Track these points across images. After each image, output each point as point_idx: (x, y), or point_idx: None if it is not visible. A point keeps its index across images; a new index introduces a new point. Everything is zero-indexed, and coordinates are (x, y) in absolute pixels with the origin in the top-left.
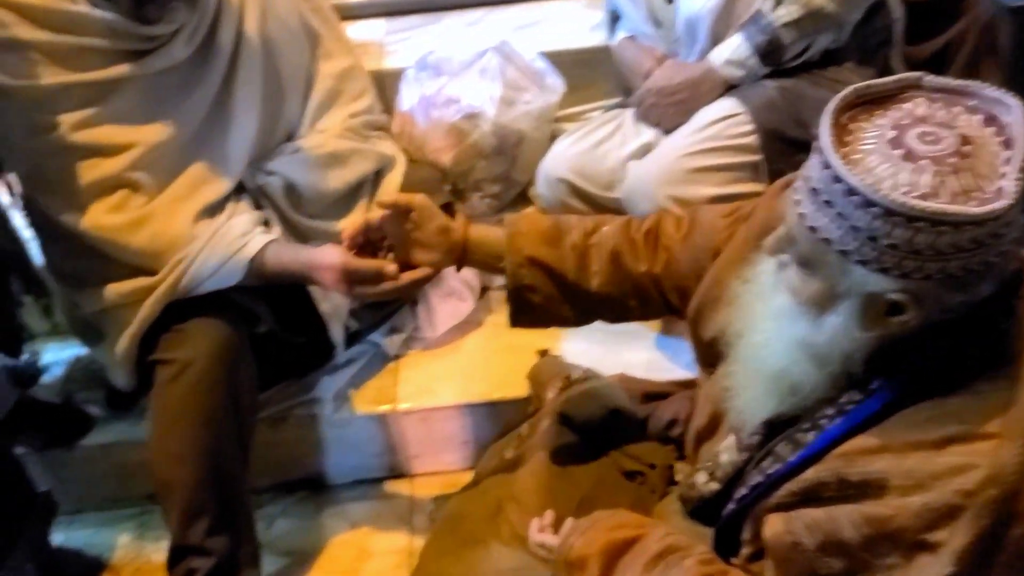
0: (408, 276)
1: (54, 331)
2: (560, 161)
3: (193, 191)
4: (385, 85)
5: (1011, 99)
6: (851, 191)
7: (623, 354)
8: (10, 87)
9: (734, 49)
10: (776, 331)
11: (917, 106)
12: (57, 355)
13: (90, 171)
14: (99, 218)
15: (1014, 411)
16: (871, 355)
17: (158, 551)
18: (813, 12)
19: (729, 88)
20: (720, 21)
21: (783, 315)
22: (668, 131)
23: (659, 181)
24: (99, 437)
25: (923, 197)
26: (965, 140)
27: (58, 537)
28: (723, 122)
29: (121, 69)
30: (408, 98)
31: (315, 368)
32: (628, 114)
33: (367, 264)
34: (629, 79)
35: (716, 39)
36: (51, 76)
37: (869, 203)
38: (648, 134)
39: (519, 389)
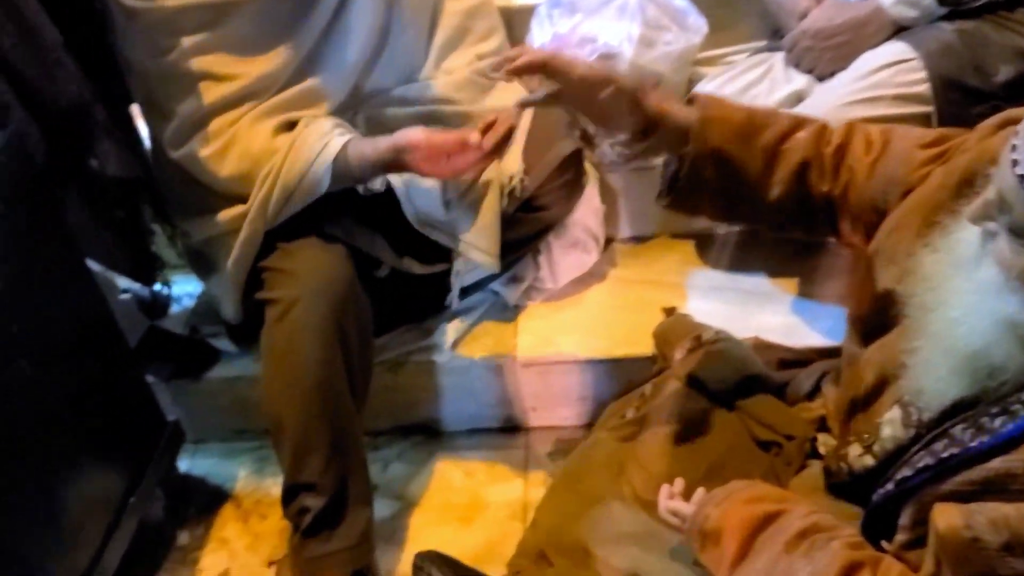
0: (491, 135)
1: (183, 262)
2: None
3: (277, 110)
4: (514, 21)
5: None
6: None
7: (757, 316)
8: (135, 7)
9: None
10: (978, 307)
11: None
12: (185, 287)
13: (194, 100)
14: (194, 148)
15: None
16: None
17: (276, 485)
18: None
19: (898, 30)
20: None
21: (988, 290)
22: (823, 78)
23: None
24: (223, 371)
25: None
26: None
27: (183, 465)
28: (890, 68)
29: None
30: (539, 36)
31: (434, 313)
32: (777, 58)
33: (450, 135)
34: (781, 19)
35: None
36: None
37: None
38: (800, 80)
39: (643, 347)
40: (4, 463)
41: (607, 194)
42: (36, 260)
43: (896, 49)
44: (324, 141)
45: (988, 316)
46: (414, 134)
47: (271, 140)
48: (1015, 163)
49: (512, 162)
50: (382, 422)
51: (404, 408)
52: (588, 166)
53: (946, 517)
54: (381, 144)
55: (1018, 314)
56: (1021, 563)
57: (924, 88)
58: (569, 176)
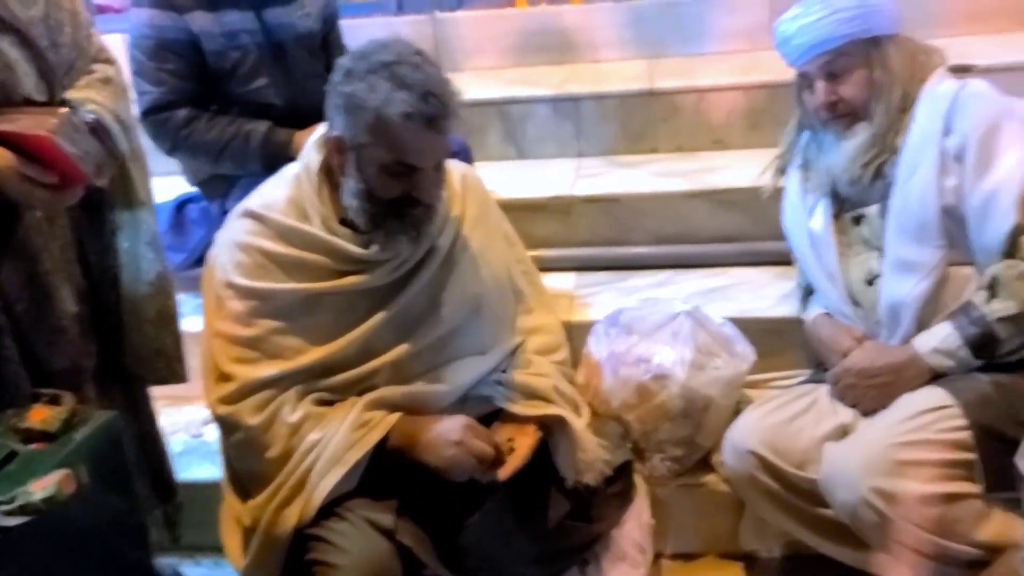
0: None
1: None
2: (751, 433)
3: (330, 390)
4: (572, 336)
5: None
6: None
7: None
8: (235, 283)
9: (942, 338)
10: None
11: None
12: None
13: (248, 368)
14: (243, 414)
15: None
16: None
17: None
18: None
19: (936, 376)
20: (926, 308)
21: None
22: (867, 414)
23: (863, 470)
24: None
25: None
26: None
27: None
28: (932, 413)
29: (324, 284)
30: (596, 351)
31: None
32: (822, 391)
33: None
34: (825, 356)
35: (921, 325)
36: (270, 281)
37: None
38: (846, 414)
39: None
40: None
41: (656, 508)
42: None
43: (936, 396)
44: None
45: None
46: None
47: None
48: None
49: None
50: None
51: None
52: (637, 478)
53: None
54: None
55: None
56: None
57: (966, 435)
58: (620, 487)
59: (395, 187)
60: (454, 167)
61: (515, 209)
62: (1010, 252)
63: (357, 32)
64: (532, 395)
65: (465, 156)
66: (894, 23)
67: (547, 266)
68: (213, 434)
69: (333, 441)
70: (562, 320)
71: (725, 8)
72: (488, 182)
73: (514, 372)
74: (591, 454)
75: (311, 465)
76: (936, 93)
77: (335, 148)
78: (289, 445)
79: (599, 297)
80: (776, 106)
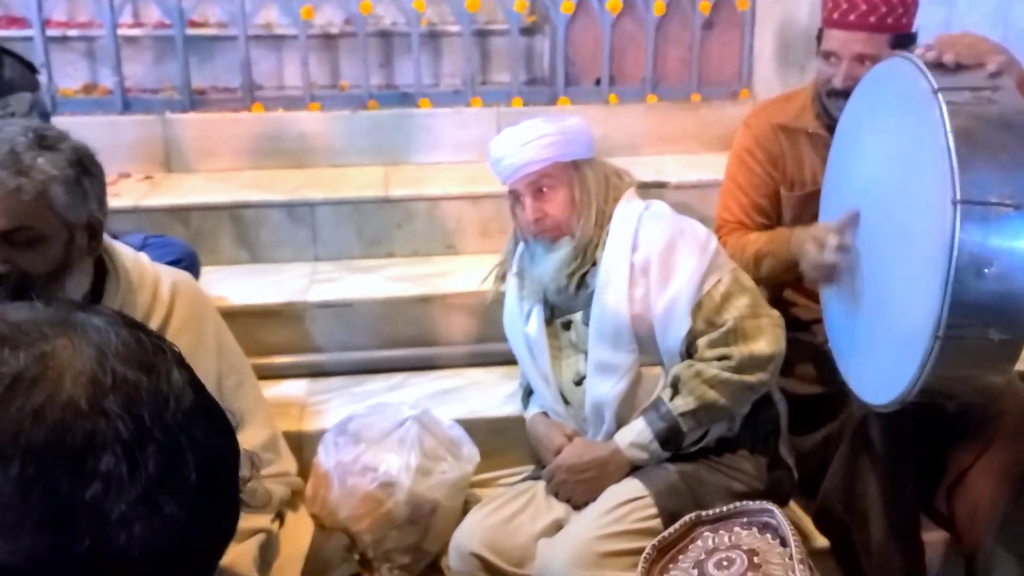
0: None
1: None
2: (472, 535)
3: None
4: (303, 446)
5: (770, 506)
6: None
7: None
8: None
9: (637, 433)
10: None
11: (705, 540)
12: None
13: None
14: None
15: None
16: None
17: None
18: (707, 404)
19: (634, 468)
20: (624, 405)
21: None
22: (578, 507)
23: (569, 564)
24: None
25: None
26: (752, 553)
27: None
28: (628, 504)
29: None
30: (325, 462)
31: None
32: (540, 487)
33: None
34: (541, 453)
35: (621, 421)
36: None
37: None
38: (559, 509)
39: None
40: None
41: None
42: None
43: (632, 487)
44: None
45: None
46: None
47: None
48: None
49: None
50: None
51: None
52: None
53: None
54: None
55: None
56: None
57: (656, 523)
58: None
59: None
60: (165, 274)
61: (247, 315)
62: (688, 354)
63: (79, 131)
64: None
65: (190, 262)
66: (590, 149)
67: (279, 373)
68: None
69: None
70: (293, 430)
71: (456, 121)
72: (219, 288)
73: None
74: None
75: None
76: (625, 212)
77: None
78: None
79: (332, 403)
80: (503, 215)
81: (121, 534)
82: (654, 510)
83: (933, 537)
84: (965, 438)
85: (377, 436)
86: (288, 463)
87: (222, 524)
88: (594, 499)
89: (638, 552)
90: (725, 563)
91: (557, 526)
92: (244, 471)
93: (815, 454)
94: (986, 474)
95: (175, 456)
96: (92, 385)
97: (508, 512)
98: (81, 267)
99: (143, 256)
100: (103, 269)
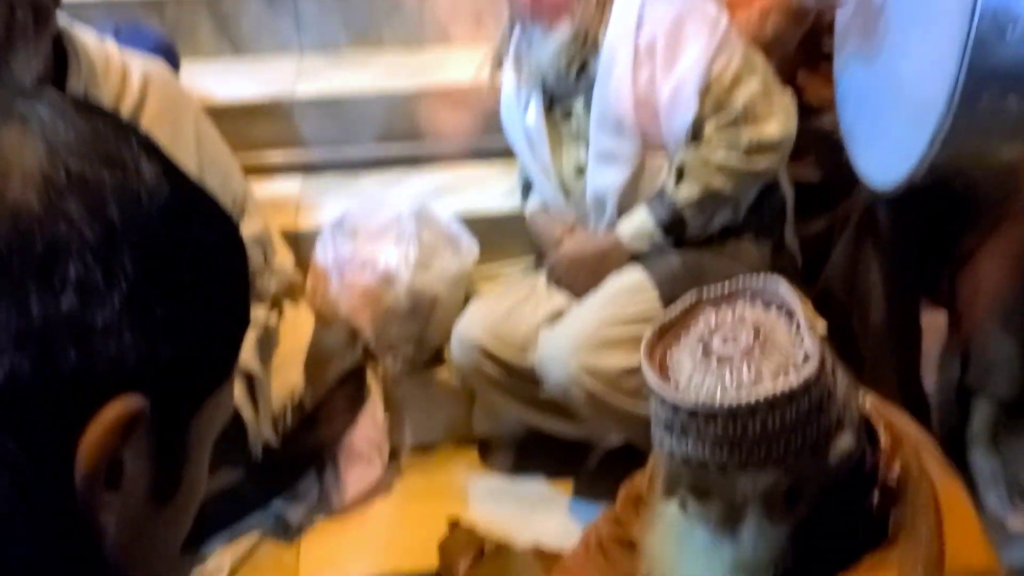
0: None
1: None
2: (474, 325)
3: None
4: (300, 244)
5: (773, 279)
6: (693, 413)
7: (537, 522)
8: None
9: (639, 222)
10: (706, 564)
11: (708, 318)
12: None
13: None
14: None
15: None
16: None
17: None
18: (712, 192)
19: (636, 257)
20: (626, 196)
21: (706, 547)
22: (579, 297)
23: (572, 350)
24: None
25: (753, 389)
26: (757, 327)
27: None
28: (630, 292)
29: None
30: (323, 258)
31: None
32: (541, 279)
33: None
34: (542, 246)
35: (623, 211)
36: None
37: (711, 416)
38: (560, 300)
39: (430, 560)
40: None
41: (391, 406)
42: None
43: (634, 275)
44: None
45: (716, 569)
46: None
47: None
48: (660, 443)
49: (294, 378)
50: None
51: None
52: (370, 379)
53: None
54: None
55: (736, 555)
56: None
57: (658, 309)
58: (350, 391)
59: None
60: (135, 62)
61: (232, 113)
62: (694, 140)
63: None
64: None
65: (167, 54)
66: None
67: (270, 168)
68: None
69: None
70: (289, 228)
71: None
72: (200, 83)
73: None
74: None
75: None
76: None
77: None
78: None
79: (327, 201)
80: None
81: (110, 344)
82: (656, 297)
83: (931, 322)
84: (973, 219)
85: (374, 231)
86: (284, 257)
87: (230, 318)
88: (595, 290)
89: (639, 339)
90: (731, 338)
91: (558, 315)
92: (258, 259)
93: (819, 241)
94: (993, 255)
95: (158, 256)
96: (45, 186)
97: (509, 303)
98: (28, 49)
99: (109, 41)
100: (63, 56)
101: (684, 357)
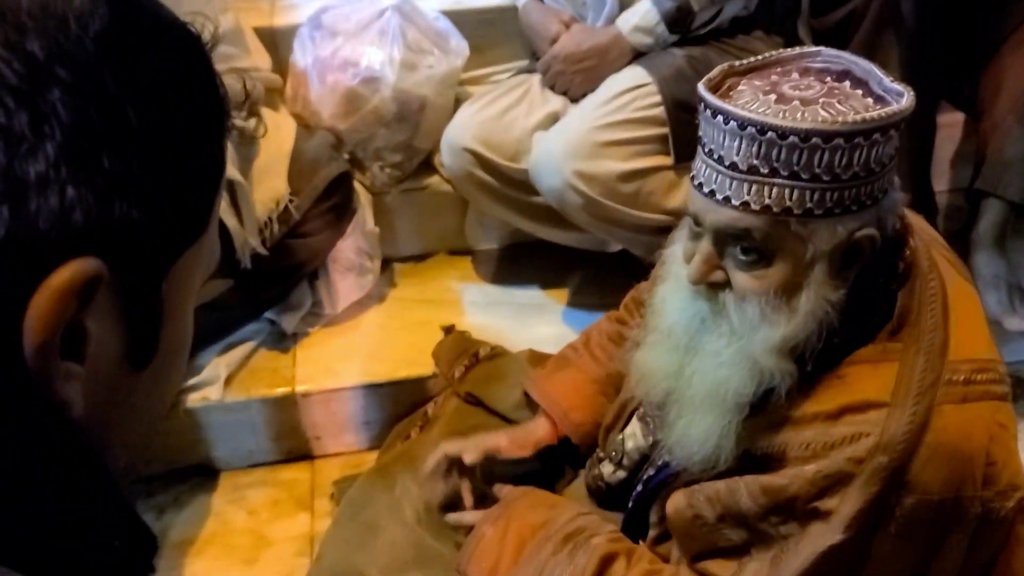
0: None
1: None
2: (464, 130)
3: None
4: (277, 43)
5: (814, 48)
6: (783, 134)
7: (531, 328)
8: None
9: (642, 15)
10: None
11: (761, 75)
12: None
13: None
14: None
15: (904, 379)
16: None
17: None
18: None
19: (638, 55)
20: None
21: (752, 327)
22: (575, 99)
23: (566, 155)
24: None
25: (860, 115)
26: (831, 85)
27: None
28: (630, 93)
29: None
30: (302, 59)
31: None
32: (535, 80)
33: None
34: (535, 43)
35: (624, 4)
36: None
37: (807, 137)
38: (555, 102)
39: (424, 367)
40: None
41: (382, 215)
42: None
43: (635, 75)
44: None
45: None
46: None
47: None
48: (743, 203)
49: (278, 186)
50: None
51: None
52: (359, 187)
53: (673, 501)
54: None
55: (783, 332)
56: (735, 533)
57: (660, 111)
58: (337, 199)
59: None
60: None
61: None
62: None
63: None
64: None
65: None
66: None
67: None
68: None
69: None
70: (264, 25)
71: None
72: None
73: None
74: None
75: None
76: None
77: None
78: None
79: None
80: None
81: (50, 200)
82: (658, 98)
83: (948, 119)
84: (1000, 13)
85: (355, 28)
86: (259, 58)
87: (198, 166)
88: (593, 90)
89: (639, 141)
90: (803, 85)
91: (554, 119)
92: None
93: (835, 35)
94: (1019, 49)
95: (97, 97)
96: None
97: (502, 106)
98: None
99: None
100: None
101: (758, 90)
